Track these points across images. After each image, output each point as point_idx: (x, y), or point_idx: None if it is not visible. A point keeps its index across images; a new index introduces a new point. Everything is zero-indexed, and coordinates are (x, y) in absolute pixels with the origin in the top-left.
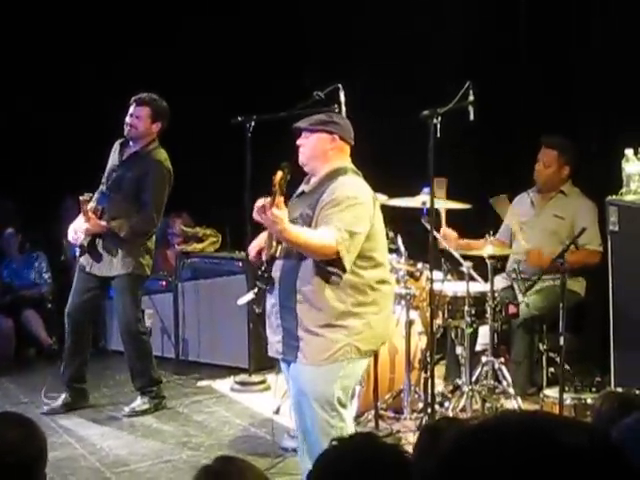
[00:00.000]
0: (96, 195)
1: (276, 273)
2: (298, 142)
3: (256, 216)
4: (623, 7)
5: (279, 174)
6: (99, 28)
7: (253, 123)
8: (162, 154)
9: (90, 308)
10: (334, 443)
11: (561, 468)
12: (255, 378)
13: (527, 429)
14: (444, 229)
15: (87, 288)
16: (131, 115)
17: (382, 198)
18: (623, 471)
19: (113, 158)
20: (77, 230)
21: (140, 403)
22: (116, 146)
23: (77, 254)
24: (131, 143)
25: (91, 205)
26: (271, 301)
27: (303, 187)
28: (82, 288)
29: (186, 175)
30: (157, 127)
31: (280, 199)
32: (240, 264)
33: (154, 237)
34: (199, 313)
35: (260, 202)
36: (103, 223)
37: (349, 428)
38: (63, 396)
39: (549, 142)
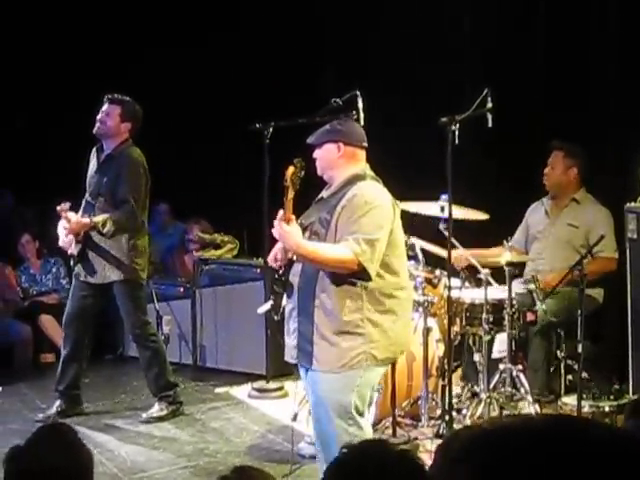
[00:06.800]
0: (82, 204)
1: (295, 278)
2: (314, 155)
3: (275, 232)
4: None
5: (291, 169)
6: (114, 26)
7: (271, 129)
8: (135, 151)
9: (87, 316)
10: (344, 450)
11: (596, 462)
12: (273, 385)
13: (556, 427)
14: (455, 255)
15: (83, 296)
16: (101, 112)
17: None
18: None
19: (92, 165)
20: (64, 235)
21: (157, 409)
22: (93, 152)
23: (72, 263)
24: (104, 146)
25: (78, 215)
26: (290, 306)
27: (323, 193)
28: (78, 296)
29: (204, 182)
30: (126, 127)
31: (291, 215)
32: (258, 271)
33: (146, 237)
34: (217, 319)
35: (278, 219)
36: (86, 220)
37: (367, 436)
38: (57, 403)
39: (556, 145)
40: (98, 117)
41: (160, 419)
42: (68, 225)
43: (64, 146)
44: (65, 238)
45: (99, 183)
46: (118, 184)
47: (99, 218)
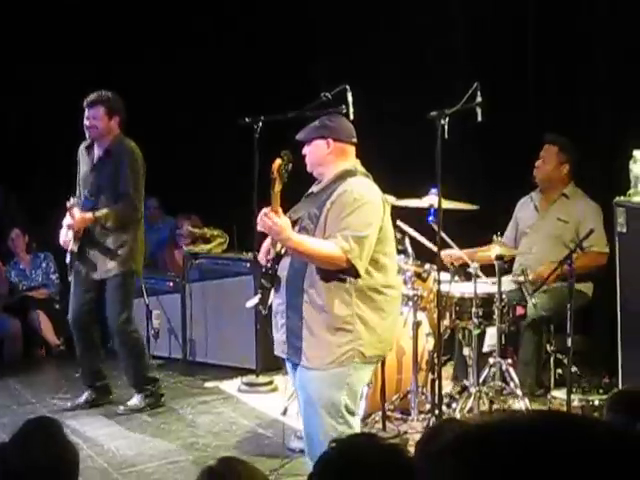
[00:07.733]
0: (81, 203)
1: (283, 272)
2: (303, 152)
3: (259, 227)
4: (631, 8)
5: (277, 161)
6: (108, 24)
7: (261, 124)
8: (129, 143)
9: (92, 310)
10: (333, 444)
11: (584, 459)
12: (262, 379)
13: (545, 424)
14: (445, 254)
15: (85, 290)
16: (87, 118)
17: (390, 199)
18: None
19: (84, 163)
20: (66, 234)
21: (135, 402)
22: (82, 150)
23: (68, 260)
24: (96, 144)
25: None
26: (277, 300)
27: (313, 188)
28: (80, 292)
29: (194, 176)
30: (116, 121)
31: (278, 208)
32: (247, 265)
33: (143, 230)
34: (206, 314)
35: (263, 212)
36: (89, 215)
37: None
38: (86, 393)
39: (550, 139)
40: (86, 124)
41: (138, 411)
42: (72, 221)
43: (55, 141)
44: (66, 236)
45: (99, 179)
46: (118, 177)
47: (101, 213)
